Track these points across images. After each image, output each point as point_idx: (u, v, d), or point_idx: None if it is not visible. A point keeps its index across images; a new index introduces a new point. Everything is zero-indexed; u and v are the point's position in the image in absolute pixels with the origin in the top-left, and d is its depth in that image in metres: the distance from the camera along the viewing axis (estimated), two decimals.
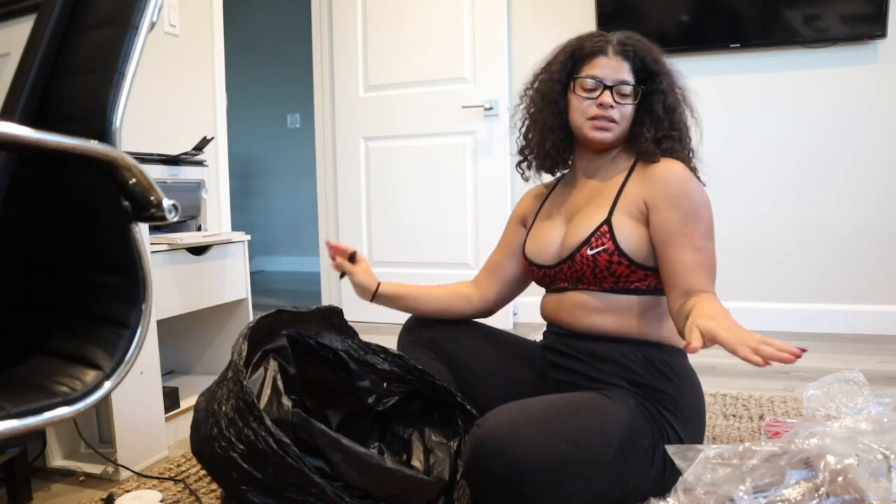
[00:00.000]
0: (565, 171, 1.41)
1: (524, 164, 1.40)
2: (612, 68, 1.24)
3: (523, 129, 1.38)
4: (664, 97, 1.25)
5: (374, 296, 1.46)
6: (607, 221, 1.21)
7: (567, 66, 1.30)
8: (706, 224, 1.19)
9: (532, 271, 1.34)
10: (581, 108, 1.26)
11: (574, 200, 1.32)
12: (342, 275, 1.51)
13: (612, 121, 1.25)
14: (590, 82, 1.25)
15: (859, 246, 2.71)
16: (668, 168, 1.21)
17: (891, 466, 0.98)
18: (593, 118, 1.25)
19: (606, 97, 1.24)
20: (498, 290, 1.46)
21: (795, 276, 2.79)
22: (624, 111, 1.25)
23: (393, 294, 1.45)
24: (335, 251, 1.49)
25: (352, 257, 1.48)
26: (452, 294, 1.46)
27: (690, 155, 1.30)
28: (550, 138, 1.33)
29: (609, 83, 1.24)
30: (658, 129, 1.25)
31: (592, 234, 1.21)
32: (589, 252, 1.21)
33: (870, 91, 2.65)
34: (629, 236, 1.20)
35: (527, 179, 1.44)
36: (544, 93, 1.33)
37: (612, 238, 1.20)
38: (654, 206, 1.20)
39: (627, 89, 1.25)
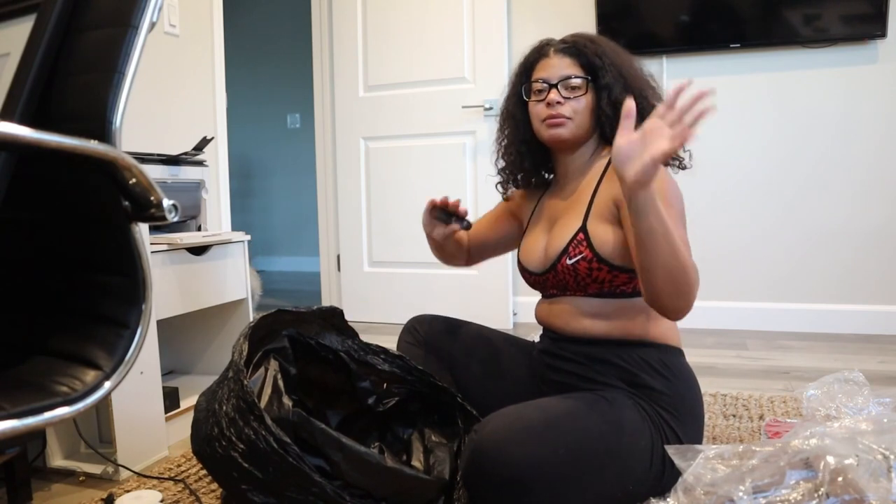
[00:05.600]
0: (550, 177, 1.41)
1: (506, 183, 1.42)
2: (556, 66, 1.26)
3: (500, 151, 1.41)
4: (609, 92, 1.23)
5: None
6: (583, 229, 1.21)
7: (521, 79, 1.33)
8: (676, 210, 1.16)
9: (525, 276, 1.35)
10: (535, 113, 1.29)
11: (555, 207, 1.32)
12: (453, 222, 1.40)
13: (564, 116, 1.24)
14: (538, 85, 1.27)
15: (860, 246, 2.71)
16: None
17: (891, 466, 0.98)
18: (546, 118, 1.26)
19: (553, 94, 1.24)
20: (477, 257, 1.53)
21: (800, 278, 2.79)
22: (576, 105, 1.24)
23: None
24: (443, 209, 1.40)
25: (466, 223, 1.37)
26: (455, 255, 1.53)
27: None
28: (512, 152, 1.36)
29: (554, 80, 1.25)
30: (612, 127, 1.22)
31: (570, 244, 1.21)
32: (568, 262, 1.21)
33: (870, 91, 2.65)
34: (606, 241, 1.18)
35: (507, 199, 1.45)
36: (505, 109, 1.37)
37: (590, 245, 1.19)
38: (622, 203, 1.17)
39: (575, 82, 1.24)
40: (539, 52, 1.30)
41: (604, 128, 1.25)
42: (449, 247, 1.47)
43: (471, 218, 1.40)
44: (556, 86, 1.24)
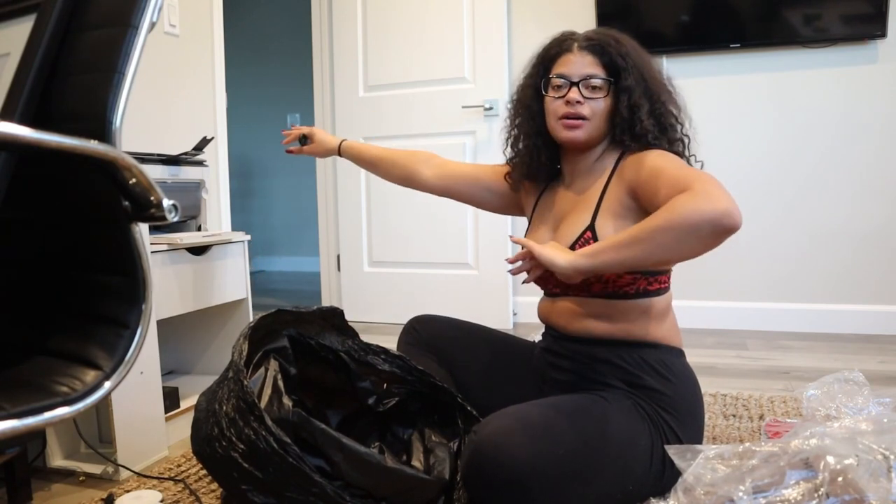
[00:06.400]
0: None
1: (515, 174, 1.40)
2: (578, 64, 1.22)
3: (510, 140, 1.38)
4: (629, 95, 1.20)
5: (340, 154, 1.63)
6: (590, 227, 1.20)
7: (539, 70, 1.29)
8: (677, 159, 1.16)
9: None
10: (552, 109, 1.25)
11: (561, 205, 1.31)
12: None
13: (582, 117, 1.21)
14: (557, 81, 1.23)
15: (860, 246, 2.71)
16: (639, 153, 1.19)
17: (891, 466, 0.98)
18: (563, 117, 1.23)
19: (573, 93, 1.21)
20: (445, 192, 1.53)
21: (800, 278, 2.79)
22: (595, 106, 1.21)
23: (352, 155, 1.62)
24: (288, 140, 1.66)
25: (303, 140, 1.64)
26: (412, 170, 1.55)
27: (680, 147, 1.25)
28: (525, 144, 1.33)
29: (575, 79, 1.21)
30: (624, 130, 1.22)
31: (577, 241, 1.20)
32: None
33: (870, 91, 2.65)
34: None
35: (516, 190, 1.44)
36: (520, 100, 1.34)
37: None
38: (633, 186, 1.17)
39: (596, 83, 1.21)
40: (561, 46, 1.25)
41: (616, 130, 1.23)
42: (391, 173, 1.57)
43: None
44: (577, 84, 1.21)
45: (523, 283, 1.20)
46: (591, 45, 1.22)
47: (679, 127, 1.25)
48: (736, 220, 0.99)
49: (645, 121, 1.20)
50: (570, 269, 1.09)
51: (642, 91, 1.21)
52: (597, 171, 1.27)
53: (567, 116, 1.22)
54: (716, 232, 0.99)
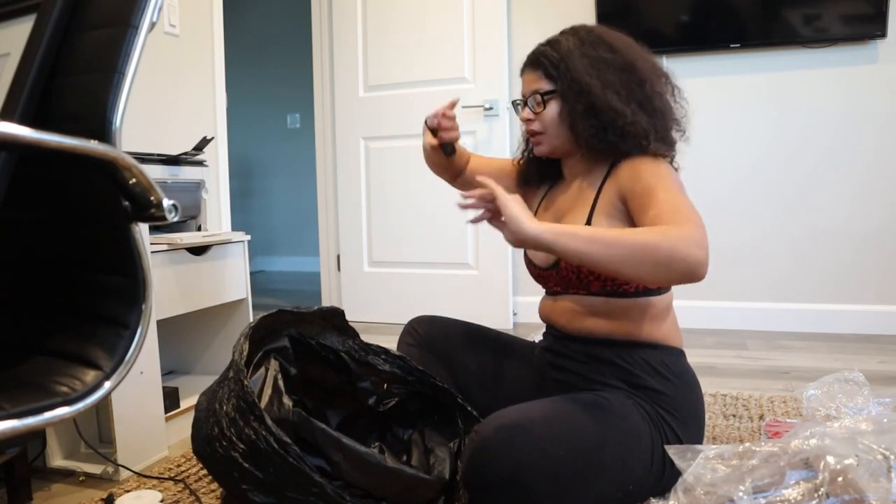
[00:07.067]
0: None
1: (525, 175, 1.45)
2: (527, 81, 1.27)
3: (521, 146, 1.45)
4: (569, 105, 1.20)
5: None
6: (587, 225, 1.20)
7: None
8: (673, 181, 1.14)
9: (530, 269, 1.35)
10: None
11: (561, 204, 1.32)
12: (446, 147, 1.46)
13: (538, 132, 1.26)
14: (519, 102, 1.30)
15: (860, 246, 2.71)
16: (630, 160, 1.18)
17: (891, 466, 0.98)
18: (526, 133, 1.30)
19: (524, 113, 1.27)
20: (466, 184, 1.54)
21: (800, 278, 2.79)
22: (543, 119, 1.24)
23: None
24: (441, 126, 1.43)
25: (449, 150, 1.44)
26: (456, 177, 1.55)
27: (644, 143, 1.18)
28: (523, 153, 1.43)
29: (526, 97, 1.27)
30: (578, 135, 1.21)
31: None
32: None
33: (870, 91, 2.65)
34: None
35: (523, 188, 1.47)
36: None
37: None
38: (625, 193, 1.17)
39: (537, 98, 1.24)
40: (521, 68, 1.31)
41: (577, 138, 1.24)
42: (435, 157, 1.51)
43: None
44: (526, 102, 1.27)
45: (469, 221, 1.14)
46: (532, 59, 1.27)
47: (636, 122, 1.17)
48: (704, 273, 0.98)
49: (581, 126, 1.19)
50: (531, 236, 1.00)
51: (578, 94, 1.18)
52: (593, 172, 1.28)
53: (527, 134, 1.30)
54: (685, 274, 0.97)
